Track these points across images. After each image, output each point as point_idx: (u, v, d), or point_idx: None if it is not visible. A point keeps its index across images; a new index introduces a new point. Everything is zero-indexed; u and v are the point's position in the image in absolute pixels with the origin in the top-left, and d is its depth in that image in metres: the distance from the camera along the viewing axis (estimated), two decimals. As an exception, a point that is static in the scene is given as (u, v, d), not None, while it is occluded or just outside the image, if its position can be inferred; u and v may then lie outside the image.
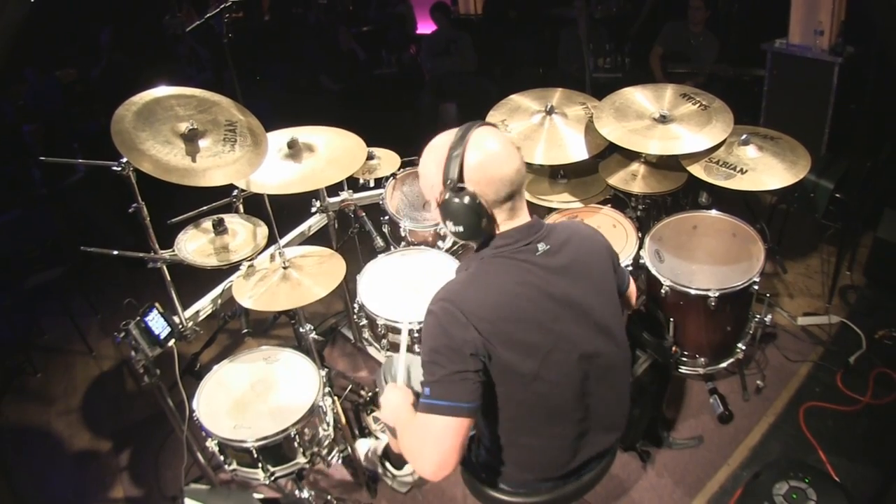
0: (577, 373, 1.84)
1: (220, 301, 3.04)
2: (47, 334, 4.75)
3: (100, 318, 4.77)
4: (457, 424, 1.67)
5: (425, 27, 8.25)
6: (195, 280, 3.10)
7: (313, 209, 3.38)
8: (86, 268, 4.92)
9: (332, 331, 3.99)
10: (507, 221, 1.78)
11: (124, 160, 2.46)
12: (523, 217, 1.81)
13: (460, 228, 1.73)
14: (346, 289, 3.41)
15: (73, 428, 3.90)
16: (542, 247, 1.78)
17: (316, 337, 2.98)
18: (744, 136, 3.15)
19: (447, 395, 1.66)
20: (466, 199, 1.68)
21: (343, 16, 8.56)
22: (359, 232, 3.67)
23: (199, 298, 3.06)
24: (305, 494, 2.92)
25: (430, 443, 1.69)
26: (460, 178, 1.68)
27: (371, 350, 3.41)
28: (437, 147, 1.76)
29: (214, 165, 2.44)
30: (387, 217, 3.50)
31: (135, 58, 7.22)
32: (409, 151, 3.59)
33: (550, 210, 3.41)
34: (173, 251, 2.72)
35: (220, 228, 2.77)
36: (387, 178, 3.55)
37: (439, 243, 3.26)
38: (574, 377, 1.84)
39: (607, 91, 3.44)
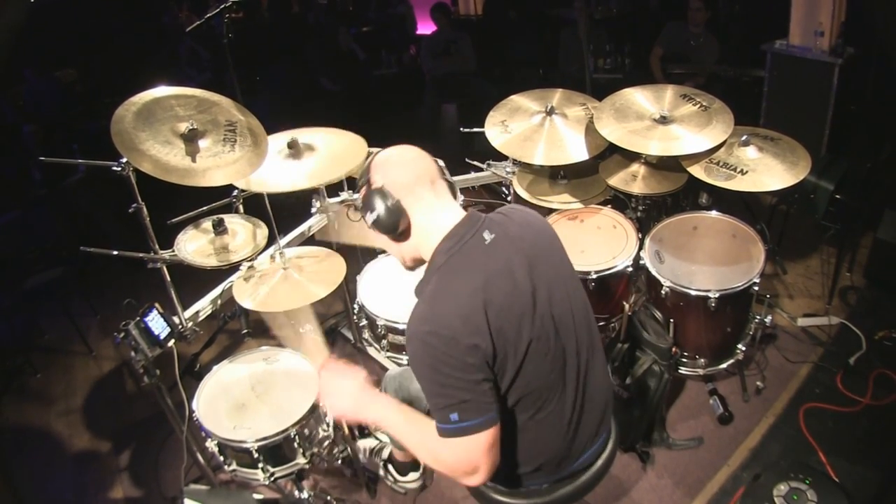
0: (560, 351, 1.87)
1: (219, 301, 3.04)
2: (47, 335, 4.75)
3: (99, 318, 4.78)
4: (494, 433, 1.73)
5: (425, 28, 8.25)
6: (195, 280, 3.09)
7: (313, 209, 3.37)
8: (86, 268, 4.92)
9: (332, 331, 3.98)
10: (430, 211, 1.84)
11: (124, 160, 2.46)
12: (456, 212, 1.86)
13: (374, 216, 1.81)
14: (347, 289, 3.40)
15: (73, 428, 3.90)
16: (487, 235, 1.81)
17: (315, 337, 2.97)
18: (744, 137, 3.15)
19: (476, 412, 1.70)
20: (372, 188, 1.82)
21: (343, 16, 8.56)
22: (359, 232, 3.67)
23: (199, 299, 3.06)
24: (305, 495, 2.92)
25: (479, 459, 1.73)
26: (369, 173, 1.85)
27: (371, 350, 3.40)
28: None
29: (214, 165, 2.44)
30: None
31: (135, 58, 7.24)
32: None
33: (551, 211, 3.41)
34: (173, 251, 2.71)
35: (219, 229, 2.76)
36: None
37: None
38: (559, 356, 1.87)
39: (607, 92, 3.44)
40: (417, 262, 1.95)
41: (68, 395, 4.17)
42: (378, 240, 1.93)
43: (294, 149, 2.81)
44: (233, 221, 2.88)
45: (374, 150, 1.91)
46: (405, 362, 2.90)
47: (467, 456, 1.73)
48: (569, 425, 1.96)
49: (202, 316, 2.99)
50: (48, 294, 4.66)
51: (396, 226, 1.82)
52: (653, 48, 5.85)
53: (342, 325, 3.90)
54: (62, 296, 4.68)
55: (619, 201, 3.56)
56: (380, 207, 1.79)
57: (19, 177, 5.51)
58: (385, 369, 3.43)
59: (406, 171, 1.84)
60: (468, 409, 1.69)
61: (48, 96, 6.69)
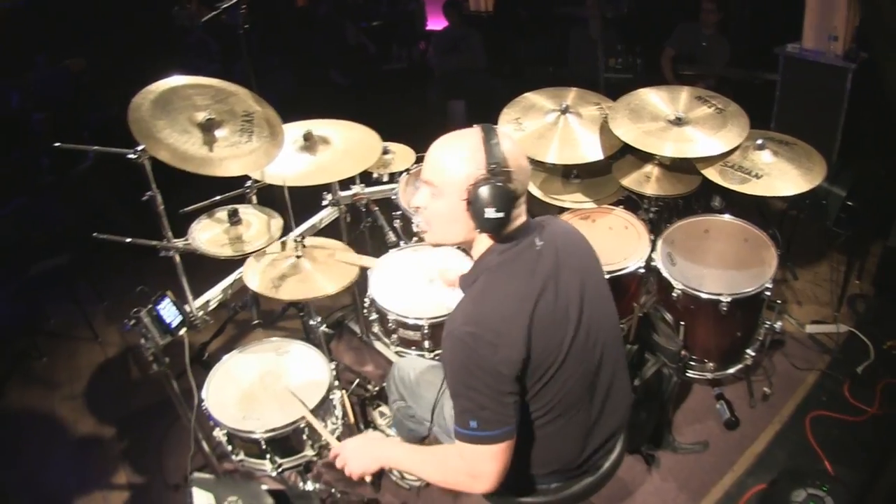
0: (592, 359, 1.89)
1: (230, 291, 3.03)
2: (53, 319, 4.73)
3: (105, 305, 4.76)
4: (508, 446, 1.73)
5: (435, 23, 8.24)
6: (202, 270, 3.06)
7: (325, 202, 3.36)
8: (93, 255, 4.90)
9: (339, 324, 3.97)
10: (516, 219, 1.80)
11: (140, 148, 2.45)
12: (523, 216, 1.84)
13: (501, 214, 1.72)
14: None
15: (77, 413, 3.90)
16: (538, 241, 1.81)
17: (326, 330, 2.97)
18: (759, 141, 3.14)
19: (495, 423, 1.70)
20: (510, 184, 1.71)
21: (350, 11, 8.54)
22: (370, 226, 3.67)
23: (205, 288, 3.04)
24: (310, 487, 2.92)
25: (488, 468, 1.73)
26: (505, 164, 1.71)
27: (378, 345, 3.40)
28: (460, 142, 1.78)
29: (231, 155, 2.44)
30: (399, 212, 3.48)
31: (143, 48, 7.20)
32: (419, 147, 3.57)
33: (563, 210, 3.39)
34: (187, 240, 2.70)
35: (234, 219, 2.75)
36: (400, 174, 3.54)
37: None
38: (590, 363, 1.88)
39: (618, 91, 3.44)
40: (453, 245, 1.93)
41: (73, 380, 4.17)
42: (426, 202, 1.86)
43: (309, 141, 2.80)
44: (247, 212, 2.87)
45: (490, 128, 1.78)
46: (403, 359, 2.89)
47: (477, 463, 1.74)
48: (587, 434, 1.98)
49: (212, 305, 2.98)
50: (54, 280, 4.66)
51: (506, 227, 1.78)
52: (664, 49, 5.83)
53: (349, 318, 3.89)
54: (69, 282, 4.67)
55: (631, 202, 3.54)
56: (504, 207, 1.72)
57: (27, 163, 5.48)
58: (391, 363, 3.43)
59: (524, 180, 1.79)
60: (488, 419, 1.69)
61: (57, 84, 6.67)
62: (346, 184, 3.37)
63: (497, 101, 3.54)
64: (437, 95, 6.95)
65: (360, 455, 2.05)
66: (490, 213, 1.71)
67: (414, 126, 3.83)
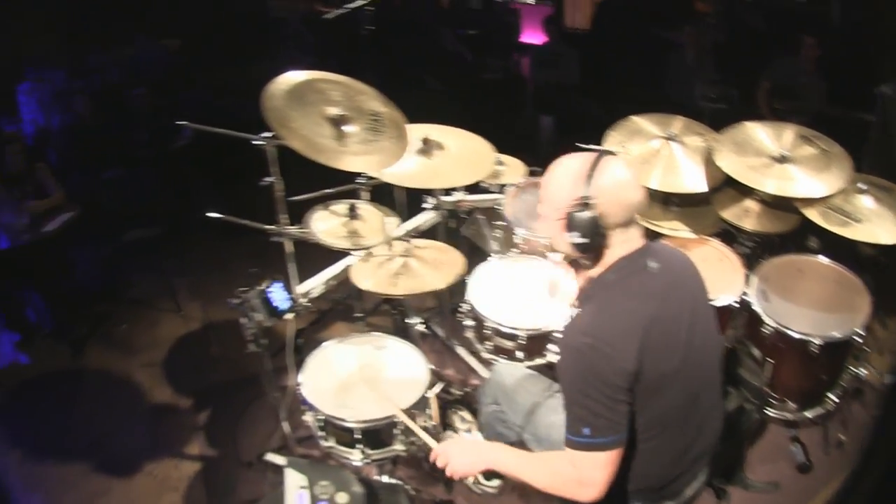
0: (696, 383, 1.94)
1: (333, 282, 3.11)
2: (136, 287, 4.85)
3: (190, 280, 4.87)
4: (618, 454, 1.82)
5: (529, 37, 8.30)
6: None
7: (426, 206, 3.42)
8: (181, 231, 5.04)
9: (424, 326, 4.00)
10: (622, 244, 1.89)
11: (268, 134, 2.55)
12: (638, 241, 1.93)
13: (584, 241, 1.85)
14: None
15: (154, 381, 4.02)
16: (652, 264, 1.89)
17: (423, 330, 3.02)
18: (863, 186, 3.12)
19: (608, 430, 1.78)
20: (593, 214, 1.81)
21: (448, 18, 8.58)
22: (474, 234, 3.71)
23: (292, 278, 3.12)
24: (385, 480, 2.96)
25: (598, 475, 1.81)
26: (591, 196, 1.82)
27: (460, 350, 3.45)
28: (571, 166, 1.90)
29: (362, 152, 2.53)
30: (500, 222, 3.52)
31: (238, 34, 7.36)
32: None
33: (659, 236, 3.39)
34: (303, 228, 2.79)
35: (353, 213, 2.84)
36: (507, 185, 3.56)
37: (550, 254, 3.27)
38: (694, 387, 1.94)
39: (713, 121, 3.46)
40: (572, 258, 2.05)
41: (152, 348, 4.30)
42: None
43: (427, 145, 2.88)
44: (364, 208, 2.95)
45: (592, 152, 1.92)
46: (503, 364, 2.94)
47: (588, 470, 1.81)
48: (680, 457, 2.02)
49: (315, 294, 3.06)
50: (144, 250, 4.82)
51: (591, 252, 1.90)
52: (761, 82, 5.78)
53: (433, 321, 3.93)
54: (157, 253, 4.84)
55: (727, 235, 3.53)
56: (589, 235, 1.85)
57: (126, 136, 5.67)
58: (472, 369, 3.49)
59: (629, 210, 1.88)
60: (602, 426, 1.77)
61: (154, 63, 6.87)
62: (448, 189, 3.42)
63: (587, 119, 3.55)
64: (530, 109, 6.99)
65: (465, 455, 2.11)
66: (574, 237, 1.86)
67: (507, 138, 3.87)
